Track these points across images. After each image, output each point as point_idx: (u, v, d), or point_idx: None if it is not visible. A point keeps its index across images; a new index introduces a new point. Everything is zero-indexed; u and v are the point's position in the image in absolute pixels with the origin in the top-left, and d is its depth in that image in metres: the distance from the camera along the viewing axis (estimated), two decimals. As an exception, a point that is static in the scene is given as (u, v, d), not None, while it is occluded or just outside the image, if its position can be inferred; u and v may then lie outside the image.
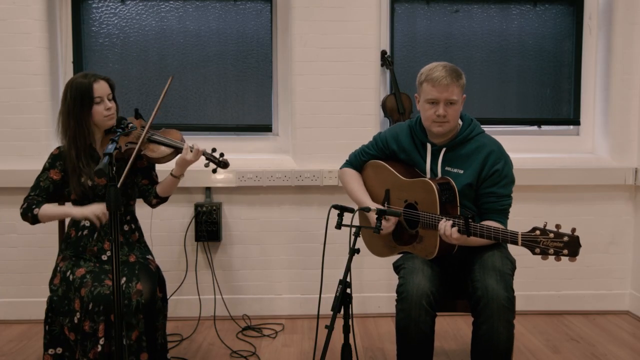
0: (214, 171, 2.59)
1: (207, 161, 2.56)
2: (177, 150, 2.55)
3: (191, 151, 2.52)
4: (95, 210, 2.41)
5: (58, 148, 2.60)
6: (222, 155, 2.58)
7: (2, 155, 3.46)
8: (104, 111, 2.48)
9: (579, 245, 1.91)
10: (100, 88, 2.48)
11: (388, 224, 2.42)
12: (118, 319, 2.04)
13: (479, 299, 2.21)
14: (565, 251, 1.91)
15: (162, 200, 2.67)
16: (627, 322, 3.56)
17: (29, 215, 2.47)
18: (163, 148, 2.55)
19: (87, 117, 2.48)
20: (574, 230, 1.93)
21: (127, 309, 2.29)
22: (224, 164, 2.57)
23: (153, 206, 2.69)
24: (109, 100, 2.51)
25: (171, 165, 2.61)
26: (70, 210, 2.50)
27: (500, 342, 2.17)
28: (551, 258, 1.94)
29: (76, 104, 2.46)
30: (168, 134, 2.62)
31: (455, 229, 2.15)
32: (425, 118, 2.38)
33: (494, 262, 2.29)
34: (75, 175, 2.49)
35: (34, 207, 2.47)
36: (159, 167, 2.71)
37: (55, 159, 2.57)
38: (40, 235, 3.46)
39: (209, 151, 2.57)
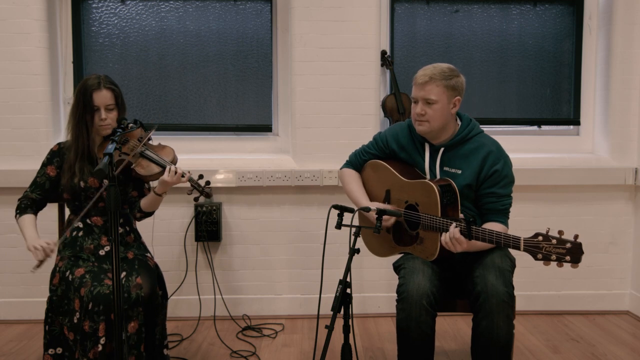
0: (196, 199, 2.53)
1: (191, 187, 2.47)
2: (164, 169, 2.46)
3: (175, 173, 2.43)
4: (36, 243, 2.30)
5: (58, 144, 2.61)
6: (207, 183, 2.50)
7: (2, 155, 3.46)
8: (98, 121, 2.48)
9: (582, 252, 1.90)
10: (99, 98, 2.45)
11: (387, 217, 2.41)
12: (118, 318, 2.04)
13: (479, 294, 2.21)
14: (568, 257, 1.91)
15: (146, 215, 2.61)
16: (627, 322, 3.56)
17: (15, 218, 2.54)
18: (153, 165, 2.48)
19: (88, 122, 2.48)
20: (576, 236, 1.93)
21: (126, 302, 2.30)
22: (207, 194, 2.48)
23: (137, 219, 2.65)
24: (109, 110, 2.47)
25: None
26: (26, 235, 2.43)
27: (500, 337, 2.18)
28: (553, 263, 1.94)
29: (79, 106, 2.48)
30: (161, 151, 2.56)
31: (458, 231, 2.15)
32: (412, 116, 2.44)
33: (493, 259, 2.29)
34: (69, 174, 2.50)
35: (18, 212, 2.52)
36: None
37: (53, 155, 2.59)
38: (41, 235, 3.44)
39: (196, 177, 2.48)
